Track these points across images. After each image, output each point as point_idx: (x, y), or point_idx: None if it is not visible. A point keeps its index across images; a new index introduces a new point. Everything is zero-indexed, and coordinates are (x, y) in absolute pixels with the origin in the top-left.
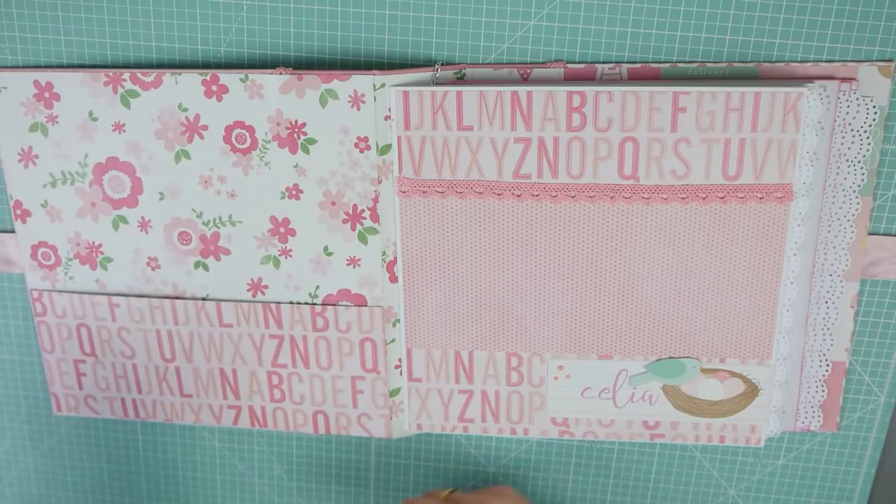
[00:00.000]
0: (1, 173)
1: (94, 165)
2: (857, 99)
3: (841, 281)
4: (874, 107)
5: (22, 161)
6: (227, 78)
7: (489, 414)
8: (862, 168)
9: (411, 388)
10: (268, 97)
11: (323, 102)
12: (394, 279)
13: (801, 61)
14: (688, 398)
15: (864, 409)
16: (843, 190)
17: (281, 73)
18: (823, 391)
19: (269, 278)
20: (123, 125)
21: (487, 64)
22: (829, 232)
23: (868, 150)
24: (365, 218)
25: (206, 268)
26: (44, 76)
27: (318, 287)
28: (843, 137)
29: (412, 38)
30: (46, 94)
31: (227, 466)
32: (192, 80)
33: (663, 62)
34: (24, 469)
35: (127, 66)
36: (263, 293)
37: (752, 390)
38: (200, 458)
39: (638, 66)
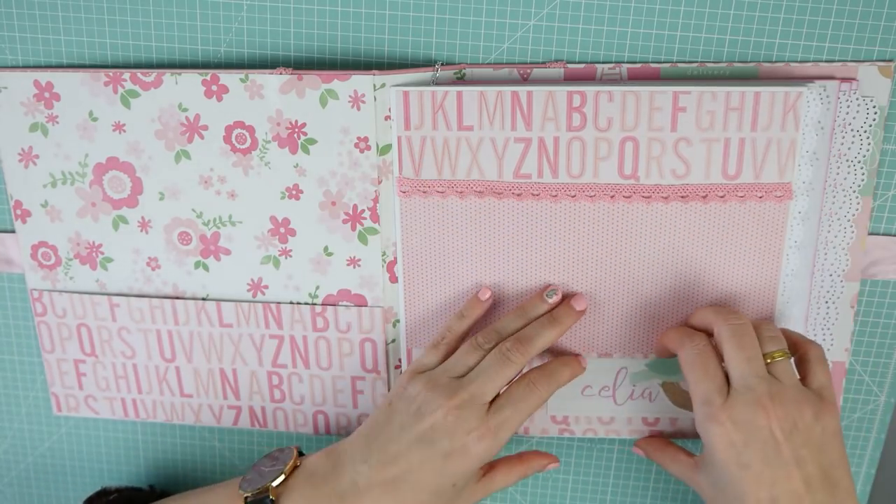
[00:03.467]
0: (1, 173)
1: (94, 165)
2: (857, 99)
3: (841, 281)
4: (874, 107)
5: (22, 161)
6: (227, 78)
7: None
8: (862, 168)
9: None
10: (268, 97)
11: (323, 102)
12: (394, 279)
13: (801, 61)
14: (687, 394)
15: (864, 409)
16: (843, 190)
17: (281, 73)
18: None
19: (269, 278)
20: (123, 125)
21: (487, 64)
22: (829, 232)
23: (868, 150)
24: (365, 218)
25: (206, 268)
26: (44, 76)
27: (318, 287)
28: (843, 137)
29: (412, 38)
30: (46, 94)
31: (227, 466)
32: (192, 80)
33: (663, 62)
34: (24, 469)
35: (127, 66)
36: (263, 293)
37: None
38: (200, 458)
39: (638, 66)
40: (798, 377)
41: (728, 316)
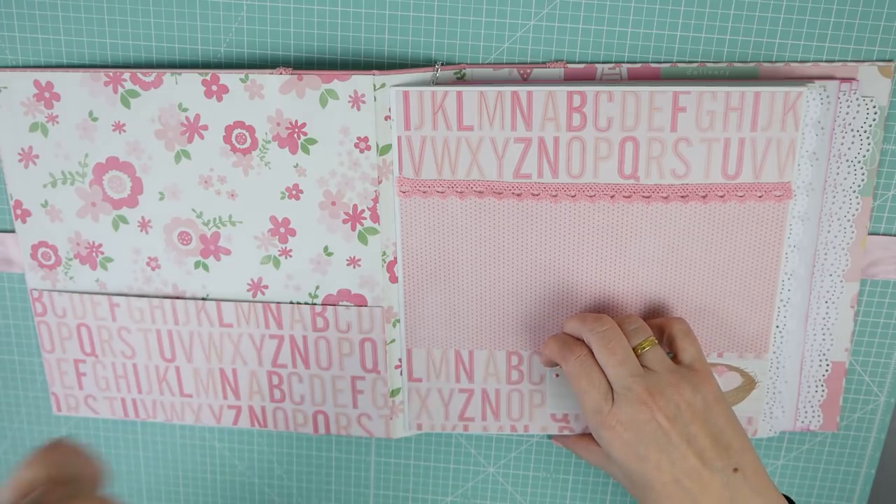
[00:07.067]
0: (1, 173)
1: (94, 165)
2: (857, 99)
3: (841, 281)
4: (874, 107)
5: (22, 161)
6: (227, 78)
7: (489, 412)
8: (862, 168)
9: (411, 388)
10: (268, 97)
11: (323, 102)
12: (394, 279)
13: (801, 61)
14: None
15: (864, 409)
16: (843, 190)
17: (281, 74)
18: (823, 391)
19: (269, 278)
20: (123, 125)
21: (487, 64)
22: (828, 232)
23: (868, 150)
24: (365, 218)
25: (206, 268)
26: (44, 76)
27: (318, 287)
28: (843, 137)
29: (412, 38)
30: (46, 94)
31: (227, 466)
32: (192, 80)
33: (663, 62)
34: None
35: (127, 66)
36: (263, 293)
37: (749, 383)
38: (200, 458)
39: (638, 66)
40: (669, 359)
41: (593, 324)
